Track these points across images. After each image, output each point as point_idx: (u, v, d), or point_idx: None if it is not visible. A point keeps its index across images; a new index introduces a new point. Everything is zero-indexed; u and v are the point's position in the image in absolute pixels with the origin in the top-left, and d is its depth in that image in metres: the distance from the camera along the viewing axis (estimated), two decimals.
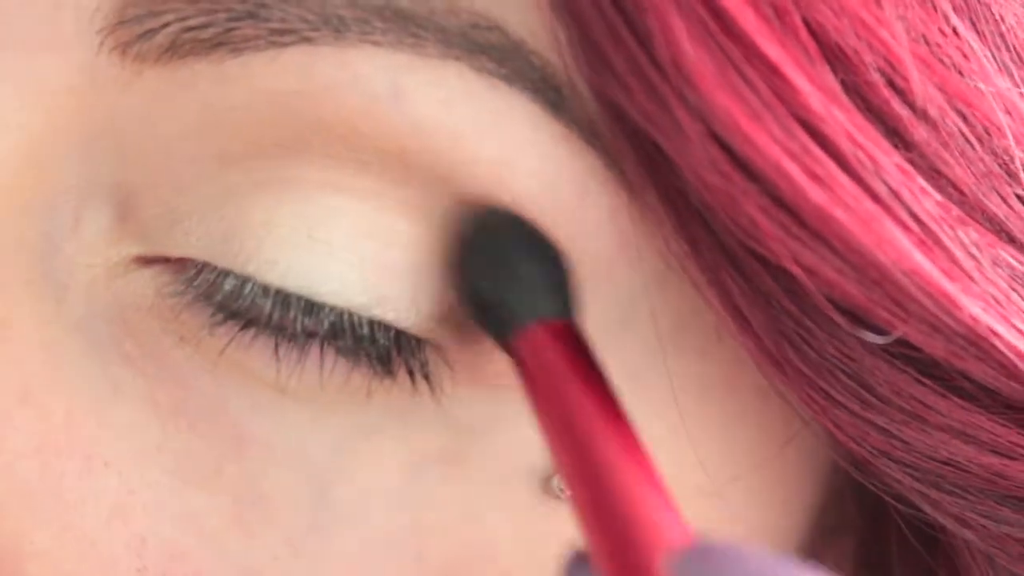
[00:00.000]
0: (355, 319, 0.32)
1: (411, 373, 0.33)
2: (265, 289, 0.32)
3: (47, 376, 0.32)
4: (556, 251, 0.32)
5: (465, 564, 0.33)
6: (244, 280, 0.32)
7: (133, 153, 0.32)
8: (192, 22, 0.30)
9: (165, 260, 0.33)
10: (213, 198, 0.32)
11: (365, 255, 0.32)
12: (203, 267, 0.32)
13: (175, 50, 0.31)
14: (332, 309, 0.32)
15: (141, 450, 0.33)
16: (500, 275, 0.32)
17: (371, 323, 0.32)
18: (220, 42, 0.30)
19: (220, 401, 0.33)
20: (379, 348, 0.33)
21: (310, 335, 0.32)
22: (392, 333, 0.33)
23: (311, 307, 0.32)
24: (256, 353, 0.33)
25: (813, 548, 0.39)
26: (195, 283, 0.33)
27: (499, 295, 0.32)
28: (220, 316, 0.33)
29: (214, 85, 0.31)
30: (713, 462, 0.35)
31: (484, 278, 0.32)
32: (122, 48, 0.31)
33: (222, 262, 0.32)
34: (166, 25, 0.30)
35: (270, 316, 0.32)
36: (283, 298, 0.32)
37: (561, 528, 0.34)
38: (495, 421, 0.34)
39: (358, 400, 0.33)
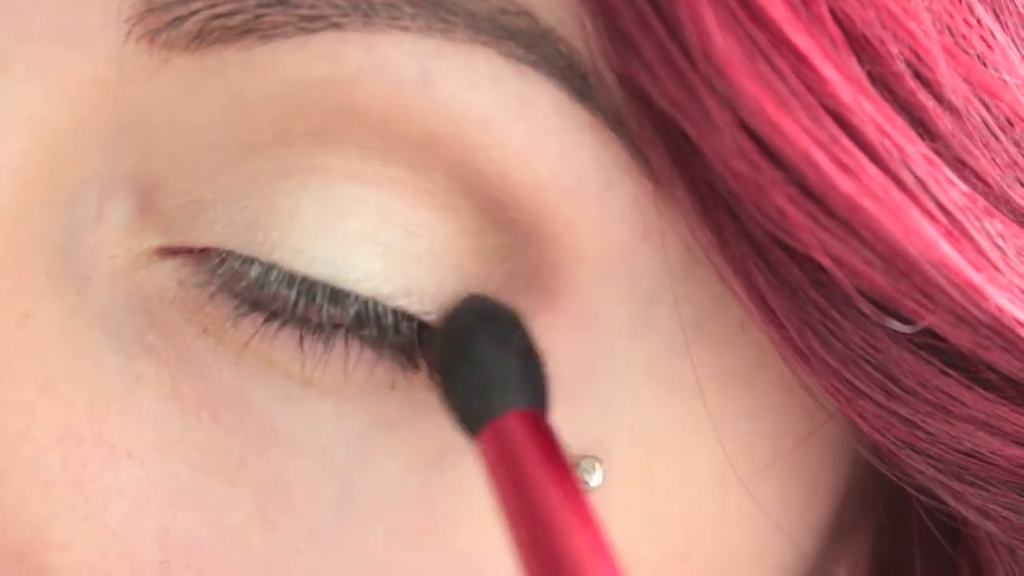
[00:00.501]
0: (380, 309, 0.32)
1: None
2: (290, 278, 0.32)
3: (69, 367, 0.32)
4: (524, 333, 0.32)
5: (491, 554, 0.33)
6: (269, 268, 0.32)
7: (157, 143, 0.32)
8: (221, 9, 0.30)
9: (188, 251, 0.33)
10: (237, 186, 0.32)
11: (389, 244, 0.32)
12: (227, 256, 0.33)
13: (203, 38, 0.31)
14: (357, 298, 0.32)
15: (164, 441, 0.33)
16: (466, 371, 0.32)
17: (395, 313, 0.32)
18: (249, 29, 0.30)
19: (243, 393, 0.33)
20: (403, 339, 0.33)
21: (335, 326, 0.32)
22: (415, 324, 0.33)
23: (336, 296, 0.32)
24: (281, 345, 0.33)
25: (835, 540, 0.39)
26: (218, 273, 0.33)
27: (465, 392, 0.32)
28: (244, 308, 0.33)
29: (242, 73, 0.31)
30: (737, 454, 0.35)
31: (452, 372, 0.32)
32: (150, 36, 0.31)
33: (246, 250, 0.32)
34: (195, 12, 0.30)
35: (295, 305, 0.32)
36: (308, 287, 0.32)
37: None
38: None
39: (381, 393, 0.33)
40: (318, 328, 0.33)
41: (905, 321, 0.31)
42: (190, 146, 0.32)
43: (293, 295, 0.32)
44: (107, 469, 0.32)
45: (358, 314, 0.32)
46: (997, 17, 0.32)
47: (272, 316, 0.33)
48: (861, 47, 0.30)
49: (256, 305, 0.33)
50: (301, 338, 0.33)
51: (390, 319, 0.32)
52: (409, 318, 0.33)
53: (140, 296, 0.33)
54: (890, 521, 0.40)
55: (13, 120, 0.31)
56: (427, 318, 0.32)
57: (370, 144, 0.31)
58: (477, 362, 0.32)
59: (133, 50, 0.31)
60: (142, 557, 0.32)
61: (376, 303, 0.32)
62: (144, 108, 0.32)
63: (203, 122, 0.32)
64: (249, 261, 0.32)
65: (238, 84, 0.31)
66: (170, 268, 0.33)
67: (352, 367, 0.33)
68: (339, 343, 0.33)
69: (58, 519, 0.32)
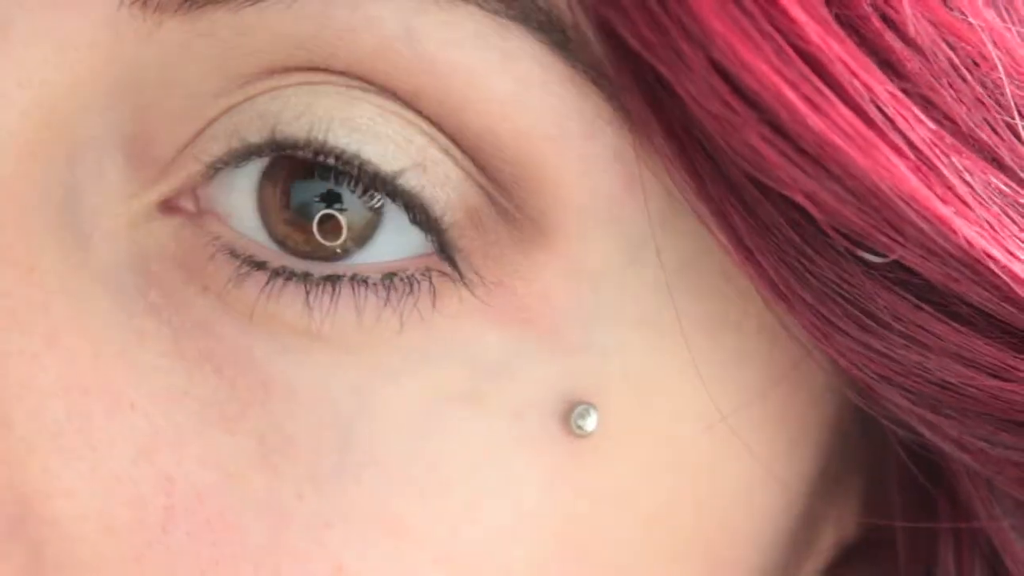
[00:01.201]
0: (396, 185, 0.33)
1: (446, 265, 0.34)
2: (305, 142, 0.33)
3: (73, 321, 0.33)
4: None
5: (488, 502, 0.34)
6: (275, 145, 0.33)
7: (153, 100, 0.33)
8: None
9: (187, 213, 0.34)
10: (241, 104, 0.33)
11: (395, 134, 0.33)
12: (227, 159, 0.33)
13: (193, 1, 0.32)
14: (374, 168, 0.33)
15: (167, 393, 0.34)
16: None
17: (407, 192, 0.33)
18: None
19: (246, 347, 0.34)
20: (421, 225, 0.33)
21: (339, 277, 0.33)
22: (425, 218, 0.33)
23: (350, 161, 0.33)
24: (287, 301, 0.34)
25: (823, 485, 0.39)
26: (218, 236, 0.34)
27: None
28: (245, 268, 0.34)
29: (233, 34, 0.32)
30: (724, 399, 0.36)
31: None
32: (143, 1, 0.32)
33: (255, 136, 0.33)
34: None
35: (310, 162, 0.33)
36: (324, 146, 0.33)
37: (582, 465, 0.35)
38: (513, 358, 0.34)
39: (386, 339, 0.34)
40: (323, 280, 0.33)
41: (877, 255, 0.32)
42: (187, 97, 0.33)
43: (311, 150, 0.33)
44: (111, 419, 0.33)
45: (372, 181, 0.33)
46: None
47: (274, 274, 0.33)
48: None
49: (258, 265, 0.33)
50: (307, 292, 0.33)
51: (401, 203, 0.33)
52: (421, 208, 0.33)
53: (140, 254, 0.34)
54: (873, 462, 0.41)
55: (14, 82, 0.33)
56: (436, 206, 0.33)
57: (363, 87, 0.33)
58: None
59: (127, 14, 0.32)
60: (147, 503, 0.33)
61: (388, 180, 0.33)
62: (139, 69, 0.33)
63: (199, 77, 0.33)
64: (252, 149, 0.33)
65: (230, 42, 0.32)
66: (169, 227, 0.34)
67: (361, 314, 0.34)
68: (346, 291, 0.33)
69: (64, 467, 0.33)
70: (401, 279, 0.34)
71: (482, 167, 0.33)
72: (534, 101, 0.32)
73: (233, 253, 0.34)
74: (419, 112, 0.33)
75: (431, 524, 0.34)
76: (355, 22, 0.32)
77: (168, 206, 0.34)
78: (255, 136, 0.33)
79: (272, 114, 0.33)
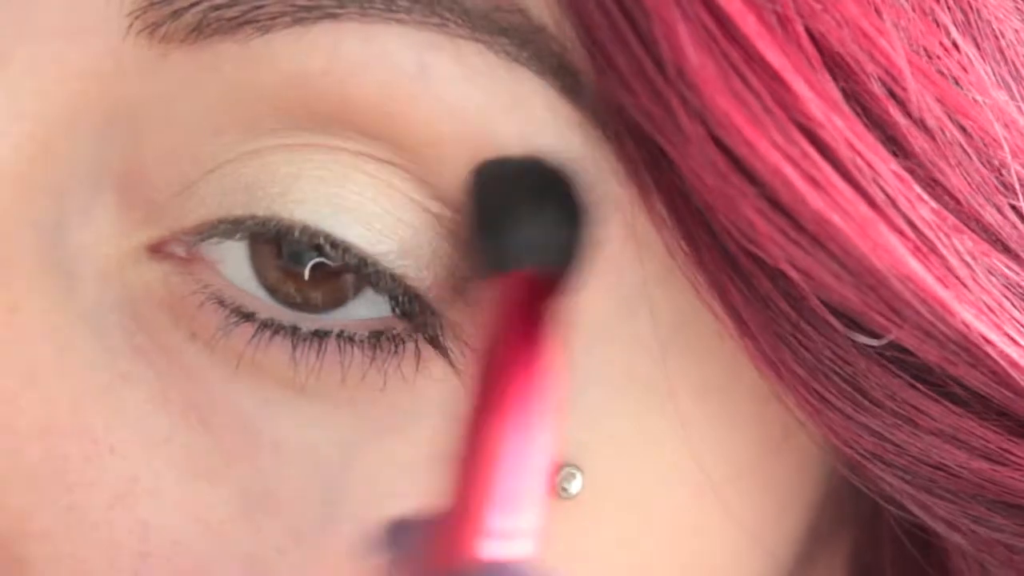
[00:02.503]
0: (380, 270, 0.33)
1: (428, 341, 0.33)
2: (288, 228, 0.32)
3: (55, 362, 0.33)
4: (573, 197, 0.32)
5: None
6: (264, 222, 0.33)
7: (150, 135, 0.33)
8: (220, 0, 0.31)
9: (177, 258, 0.34)
10: (235, 163, 0.33)
11: (388, 211, 0.32)
12: (216, 227, 0.33)
13: (201, 30, 0.31)
14: (358, 253, 0.33)
15: (148, 439, 0.33)
16: (505, 215, 0.32)
17: (393, 278, 0.33)
18: (247, 20, 0.31)
19: (234, 400, 0.33)
20: (400, 307, 0.33)
21: (327, 332, 0.33)
22: (412, 297, 0.33)
23: (337, 246, 0.32)
24: (274, 354, 0.33)
25: (810, 550, 0.39)
26: (207, 283, 0.33)
27: (498, 235, 0.32)
28: (235, 318, 0.33)
29: (240, 67, 0.32)
30: (712, 463, 0.35)
31: (489, 214, 0.32)
32: (150, 30, 0.32)
33: (241, 210, 0.33)
34: (195, 3, 0.31)
35: (295, 252, 0.33)
36: (309, 234, 0.32)
37: (565, 528, 0.34)
38: None
39: (372, 396, 0.34)
40: (311, 335, 0.33)
41: (873, 335, 0.32)
42: (186, 134, 0.33)
43: (292, 242, 0.33)
44: (89, 462, 0.33)
45: (358, 266, 0.33)
46: (974, 41, 0.33)
47: (263, 326, 0.33)
48: (836, 66, 0.31)
49: (245, 316, 0.33)
50: (294, 346, 0.33)
51: (388, 283, 0.33)
52: (406, 289, 0.33)
53: (128, 296, 0.34)
54: (864, 532, 0.40)
55: (9, 115, 0.32)
56: (421, 288, 0.33)
57: (372, 133, 0.32)
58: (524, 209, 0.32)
59: (132, 44, 0.32)
60: (122, 548, 0.33)
61: (375, 263, 0.33)
62: (139, 102, 0.32)
63: (201, 111, 0.32)
64: (242, 222, 0.33)
65: (236, 76, 0.32)
66: (158, 272, 0.34)
67: (346, 371, 0.33)
68: (332, 348, 0.33)
69: (39, 508, 0.33)
70: (388, 338, 0.33)
71: None
72: (542, 146, 0.32)
73: (222, 302, 0.33)
74: (417, 176, 0.32)
75: None
76: (367, 54, 0.31)
77: (158, 249, 0.34)
78: (240, 209, 0.33)
79: (258, 185, 0.32)
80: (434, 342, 0.33)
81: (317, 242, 0.33)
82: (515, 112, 0.32)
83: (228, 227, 0.33)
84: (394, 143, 0.32)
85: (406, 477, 0.34)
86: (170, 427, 0.33)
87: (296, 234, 0.33)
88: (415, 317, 0.33)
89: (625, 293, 0.34)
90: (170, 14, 0.31)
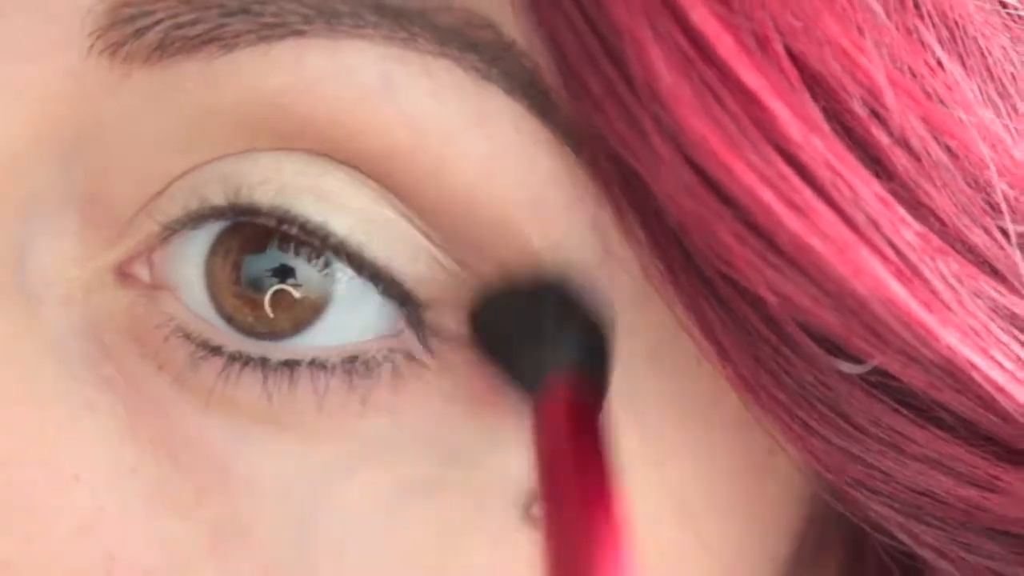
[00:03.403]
0: (366, 259, 0.32)
1: (410, 355, 0.33)
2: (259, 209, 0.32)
3: (18, 390, 0.32)
4: (596, 314, 0.32)
5: None
6: (233, 210, 0.32)
7: (115, 156, 0.32)
8: (183, 19, 0.31)
9: (142, 285, 0.33)
10: (203, 167, 0.32)
11: (365, 207, 0.32)
12: (183, 223, 0.32)
13: (164, 49, 0.31)
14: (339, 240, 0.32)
15: (115, 470, 0.33)
16: (535, 330, 0.32)
17: (375, 264, 0.32)
18: (211, 38, 0.31)
19: (204, 434, 0.33)
20: (390, 298, 0.32)
21: (297, 362, 0.32)
22: (398, 292, 0.33)
23: (317, 232, 0.32)
24: (245, 386, 0.33)
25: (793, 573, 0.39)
26: (173, 316, 0.33)
27: (532, 348, 0.32)
28: (202, 352, 0.33)
29: (203, 86, 0.31)
30: (689, 486, 0.35)
31: (519, 331, 0.32)
32: (112, 50, 0.31)
33: (217, 199, 0.32)
34: (158, 22, 0.31)
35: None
36: (289, 215, 0.32)
37: (536, 551, 0.34)
38: (478, 445, 0.34)
39: (347, 425, 0.33)
40: (281, 365, 0.32)
41: (855, 360, 0.31)
42: (151, 154, 0.32)
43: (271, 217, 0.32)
44: (53, 492, 0.32)
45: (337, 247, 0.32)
46: (959, 58, 0.32)
47: (231, 359, 0.32)
48: (817, 85, 0.30)
49: (214, 350, 0.33)
50: (264, 378, 0.33)
51: (371, 269, 0.32)
52: (392, 283, 0.33)
53: (94, 323, 0.33)
54: (850, 558, 0.40)
55: None
56: (406, 281, 0.32)
57: (335, 150, 0.32)
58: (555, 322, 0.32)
59: (94, 65, 0.31)
60: None
61: (360, 253, 0.32)
62: (103, 122, 0.32)
63: (165, 130, 0.32)
64: (209, 214, 0.32)
65: (199, 96, 0.31)
66: (124, 301, 0.33)
67: (322, 399, 0.33)
68: (304, 377, 0.32)
69: (3, 536, 0.32)
70: (363, 362, 0.33)
71: (452, 239, 0.32)
72: (510, 165, 0.31)
73: (188, 336, 0.33)
74: (387, 186, 0.32)
75: None
76: (332, 69, 0.31)
77: (123, 273, 0.33)
78: (217, 197, 0.32)
79: (236, 175, 0.32)
80: (422, 340, 0.33)
81: (293, 231, 0.32)
82: (481, 128, 0.31)
83: (199, 214, 0.32)
84: (358, 156, 0.32)
85: (380, 510, 0.33)
86: (137, 458, 0.33)
87: (275, 219, 0.32)
88: (403, 305, 0.33)
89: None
90: (132, 33, 0.31)
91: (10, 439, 0.32)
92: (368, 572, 0.33)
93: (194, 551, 0.32)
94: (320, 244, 0.32)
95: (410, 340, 0.33)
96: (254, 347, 0.33)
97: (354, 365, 0.33)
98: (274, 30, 0.31)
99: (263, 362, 0.32)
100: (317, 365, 0.33)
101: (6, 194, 0.32)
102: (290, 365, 0.32)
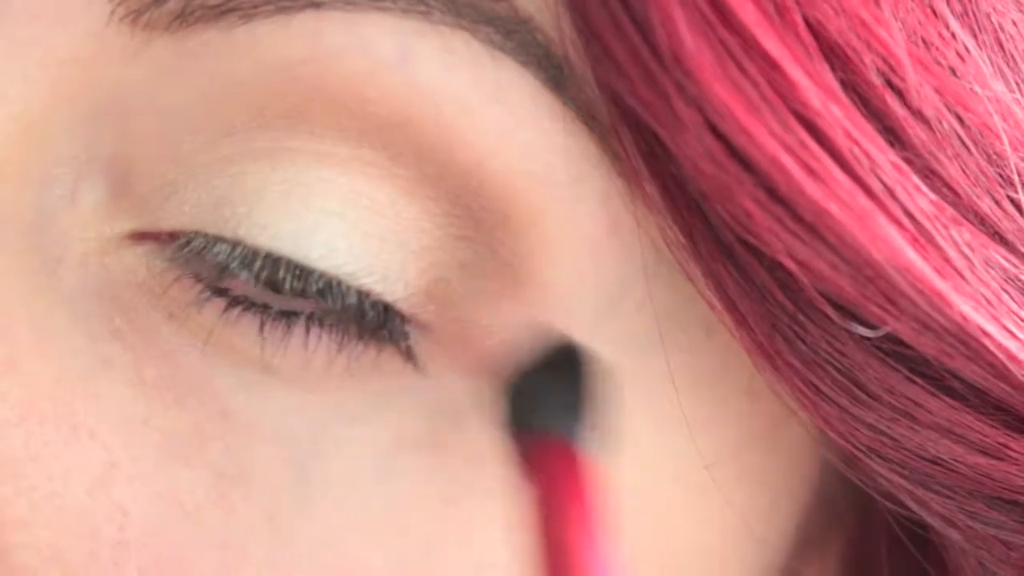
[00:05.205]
0: (343, 288, 0.33)
1: (397, 350, 0.33)
2: (254, 255, 0.32)
3: (34, 346, 0.33)
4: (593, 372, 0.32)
5: (448, 550, 0.34)
6: (234, 247, 0.33)
7: (135, 125, 0.32)
8: None
9: (157, 236, 0.33)
10: (209, 167, 0.32)
11: (355, 224, 0.32)
12: (192, 238, 0.33)
13: (184, 17, 0.31)
14: (321, 276, 0.32)
15: (127, 423, 0.33)
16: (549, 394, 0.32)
17: (359, 294, 0.33)
18: (230, 8, 0.31)
19: (207, 378, 0.33)
20: (367, 323, 0.33)
21: (296, 313, 0.33)
22: (380, 308, 0.33)
23: (300, 273, 0.32)
24: (242, 331, 0.33)
25: (803, 544, 0.39)
26: (184, 256, 0.33)
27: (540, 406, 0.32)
28: (207, 293, 0.33)
29: (221, 55, 0.31)
30: (695, 458, 0.35)
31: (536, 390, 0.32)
32: (133, 16, 0.31)
33: (213, 229, 0.32)
34: None
35: (257, 279, 0.33)
36: (272, 263, 0.32)
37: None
38: (476, 403, 0.34)
39: (342, 382, 0.33)
40: (280, 315, 0.33)
41: (870, 326, 0.32)
42: (167, 128, 0.32)
43: (257, 272, 0.33)
44: (69, 448, 0.32)
45: (321, 292, 0.32)
46: (972, 32, 0.33)
47: (234, 302, 0.33)
48: (834, 55, 0.31)
49: (219, 291, 0.33)
50: (262, 324, 0.33)
51: (353, 299, 0.33)
52: (373, 302, 0.33)
53: (109, 280, 0.33)
54: (859, 526, 0.40)
55: None
56: (391, 299, 0.33)
57: (344, 125, 0.32)
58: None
59: (115, 31, 0.32)
60: (100, 536, 0.32)
61: (340, 282, 0.33)
62: (123, 90, 0.32)
63: (181, 104, 0.32)
64: (214, 241, 0.33)
65: (217, 65, 0.32)
66: (139, 254, 0.33)
67: (311, 354, 0.33)
68: (299, 330, 0.33)
69: (19, 496, 0.32)
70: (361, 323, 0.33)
71: (460, 215, 0.33)
72: (524, 138, 0.32)
73: (198, 277, 0.33)
74: (394, 157, 0.32)
75: (388, 570, 0.33)
76: (349, 41, 0.31)
77: (140, 235, 0.33)
78: (211, 228, 0.33)
79: (226, 203, 0.32)
80: (406, 351, 0.33)
81: (277, 275, 0.32)
82: (497, 102, 0.31)
83: (202, 241, 0.33)
84: (367, 131, 0.32)
85: (378, 464, 0.34)
86: (147, 409, 0.33)
87: (258, 264, 0.32)
88: (383, 327, 0.33)
89: (611, 286, 0.33)
90: (153, 1, 0.31)
91: (28, 395, 0.32)
92: (366, 524, 0.33)
93: (201, 500, 0.33)
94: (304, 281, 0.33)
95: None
96: (261, 295, 0.33)
97: (348, 326, 0.33)
98: (293, 1, 0.31)
99: (264, 308, 0.33)
100: (315, 320, 0.33)
101: (26, 158, 0.32)
102: (288, 315, 0.33)
